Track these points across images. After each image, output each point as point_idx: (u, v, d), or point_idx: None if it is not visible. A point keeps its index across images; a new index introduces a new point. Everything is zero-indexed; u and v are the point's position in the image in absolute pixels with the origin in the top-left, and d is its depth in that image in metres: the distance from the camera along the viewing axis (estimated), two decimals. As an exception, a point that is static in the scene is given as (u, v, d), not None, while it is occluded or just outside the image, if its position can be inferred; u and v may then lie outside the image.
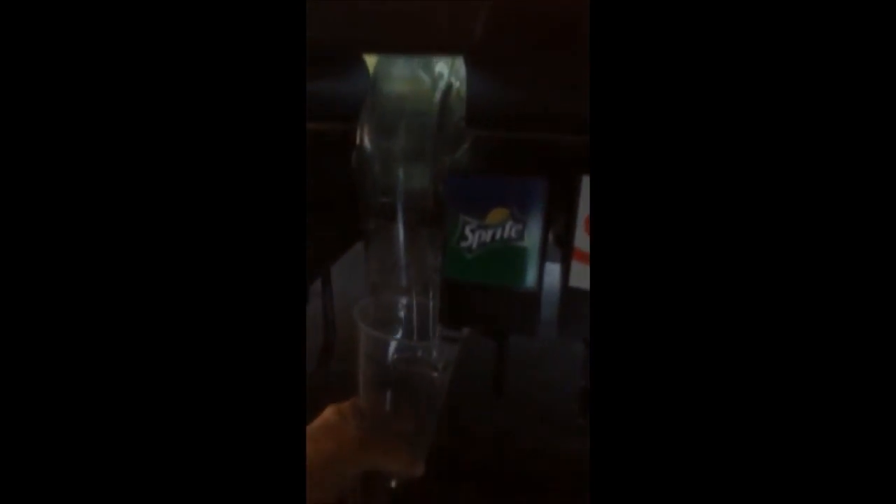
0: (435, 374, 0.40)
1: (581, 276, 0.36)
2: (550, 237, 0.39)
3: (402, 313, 0.42)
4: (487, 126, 0.49)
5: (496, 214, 0.36)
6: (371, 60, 0.49)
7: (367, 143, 0.46)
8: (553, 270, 0.40)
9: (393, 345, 0.40)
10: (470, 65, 0.47)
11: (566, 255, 0.37)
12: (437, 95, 0.46)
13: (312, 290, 0.54)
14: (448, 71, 0.48)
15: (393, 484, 0.40)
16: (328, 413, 0.39)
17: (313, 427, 0.38)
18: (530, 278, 0.37)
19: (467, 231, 0.37)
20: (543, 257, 0.37)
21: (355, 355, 0.41)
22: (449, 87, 0.47)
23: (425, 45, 0.46)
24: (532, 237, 0.36)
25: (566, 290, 0.37)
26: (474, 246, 0.37)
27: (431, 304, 0.42)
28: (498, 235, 0.37)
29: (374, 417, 0.39)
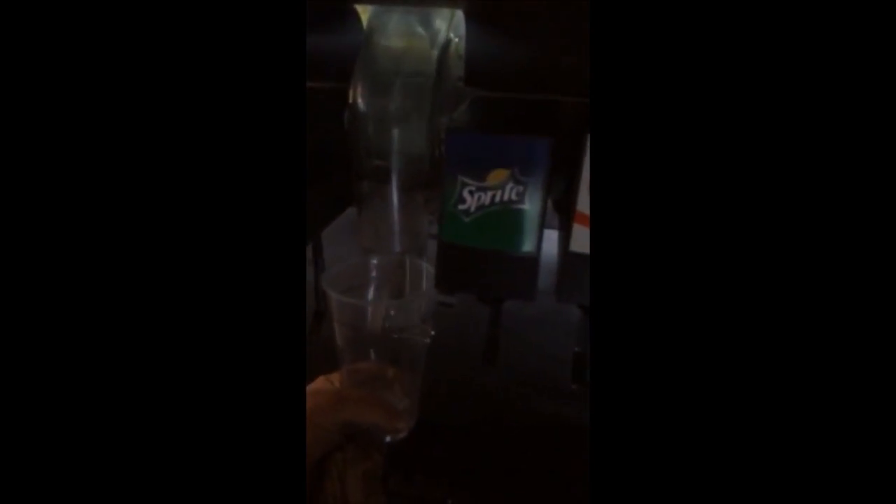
0: (427, 341, 0.39)
1: (583, 241, 0.35)
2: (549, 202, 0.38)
3: (373, 274, 0.41)
4: (487, 86, 0.48)
5: (496, 175, 0.35)
6: (364, 14, 0.46)
7: (360, 102, 0.44)
8: (549, 237, 0.39)
9: (373, 308, 0.39)
10: (469, 20, 0.45)
11: (567, 219, 0.36)
12: (435, 52, 0.44)
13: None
14: (446, 26, 0.45)
15: (388, 439, 0.40)
16: (317, 381, 0.40)
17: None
18: (530, 243, 0.36)
19: (465, 193, 0.36)
20: (543, 222, 0.36)
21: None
22: (447, 43, 0.45)
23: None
24: (533, 200, 0.35)
25: (567, 255, 0.36)
26: (472, 209, 0.36)
27: (417, 264, 0.41)
28: (497, 198, 0.35)
29: (353, 379, 0.39)
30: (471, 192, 0.36)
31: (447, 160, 0.36)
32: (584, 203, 0.34)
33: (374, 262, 0.41)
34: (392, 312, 0.38)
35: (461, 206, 0.36)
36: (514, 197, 0.35)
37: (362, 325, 0.38)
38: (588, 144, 0.34)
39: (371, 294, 0.42)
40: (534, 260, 0.36)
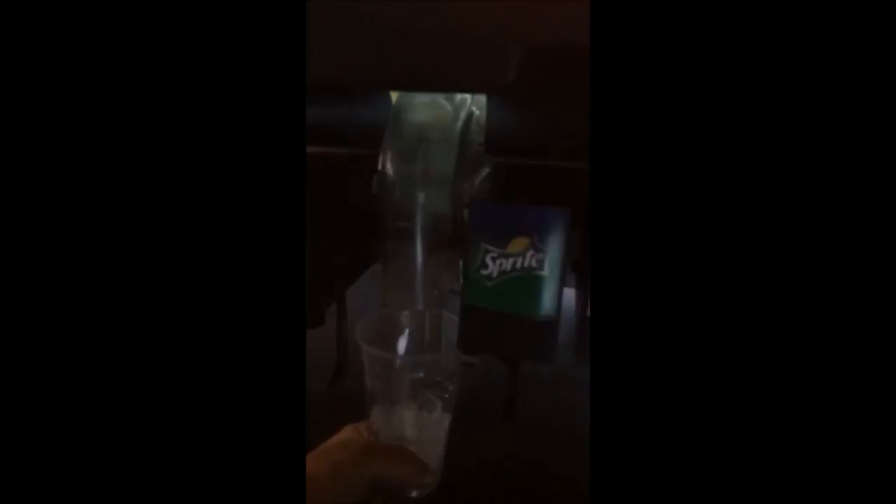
0: (446, 396, 0.40)
1: (600, 306, 0.37)
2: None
3: (406, 328, 0.42)
4: (507, 153, 0.50)
5: (517, 244, 0.37)
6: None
7: (388, 168, 0.47)
8: (568, 294, 0.41)
9: (402, 362, 0.40)
10: (490, 95, 0.48)
11: (584, 281, 0.38)
12: (459, 124, 0.47)
13: (328, 311, 0.54)
14: (469, 100, 0.49)
15: (414, 494, 0.40)
16: (345, 430, 0.41)
17: (330, 442, 0.39)
18: (549, 307, 0.38)
19: (488, 259, 0.38)
20: (562, 286, 0.38)
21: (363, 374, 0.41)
22: (470, 115, 0.48)
23: (455, 84, 0.47)
24: (552, 266, 0.37)
25: (585, 318, 0.37)
26: (494, 274, 0.38)
27: (448, 319, 0.42)
28: (518, 265, 0.37)
29: (384, 431, 0.40)
30: (493, 259, 0.38)
31: (471, 227, 0.38)
32: (600, 270, 0.36)
33: (406, 314, 0.42)
34: (420, 367, 0.39)
35: (484, 272, 0.38)
36: (534, 264, 0.37)
37: (391, 377, 0.39)
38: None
39: (402, 346, 0.42)
40: (553, 324, 0.38)
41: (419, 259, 0.48)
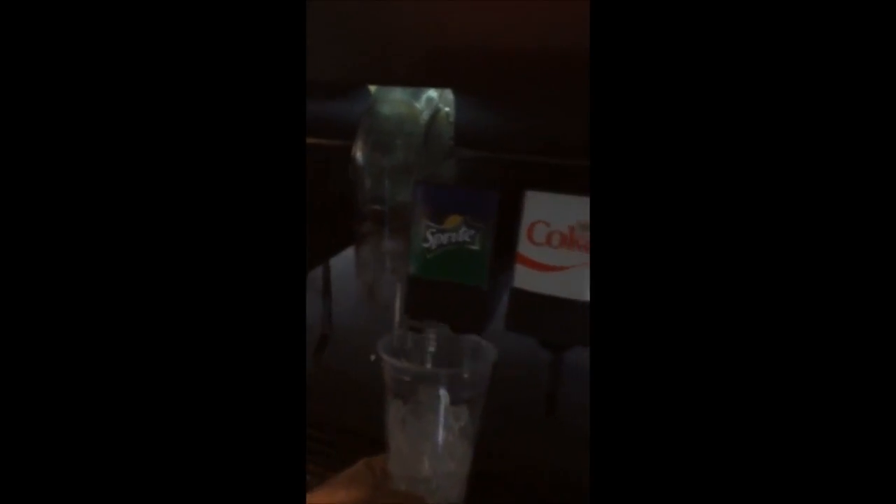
0: (464, 409, 0.38)
1: (524, 278, 0.41)
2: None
3: (431, 347, 0.41)
4: (473, 146, 0.56)
5: (452, 220, 0.42)
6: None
7: (360, 157, 0.53)
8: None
9: (425, 375, 0.39)
10: (456, 94, 0.54)
11: (511, 259, 0.42)
12: (424, 118, 0.52)
13: (311, 286, 0.61)
14: (437, 97, 0.54)
15: None
16: (359, 465, 0.40)
17: (343, 475, 0.39)
18: (481, 277, 0.42)
19: (428, 234, 0.43)
20: (494, 259, 0.42)
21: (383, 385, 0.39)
22: (437, 111, 0.53)
23: (422, 78, 0.52)
24: (484, 242, 0.42)
25: (512, 290, 0.42)
26: (434, 247, 0.43)
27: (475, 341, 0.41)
28: (454, 239, 0.42)
29: (396, 462, 0.38)
30: (432, 233, 0.43)
31: (415, 206, 0.43)
32: (523, 247, 0.41)
33: (432, 334, 0.41)
34: (443, 382, 0.37)
35: (425, 245, 0.43)
36: (467, 238, 0.42)
37: (409, 395, 0.37)
38: (526, 198, 0.40)
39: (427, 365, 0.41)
40: (485, 293, 0.43)
41: (387, 238, 0.54)
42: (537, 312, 0.42)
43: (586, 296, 0.40)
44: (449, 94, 0.54)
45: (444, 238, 0.43)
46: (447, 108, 0.55)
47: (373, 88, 0.56)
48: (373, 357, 0.51)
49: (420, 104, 0.54)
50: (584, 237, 0.39)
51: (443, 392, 0.36)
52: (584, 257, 0.39)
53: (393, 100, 0.54)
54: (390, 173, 0.53)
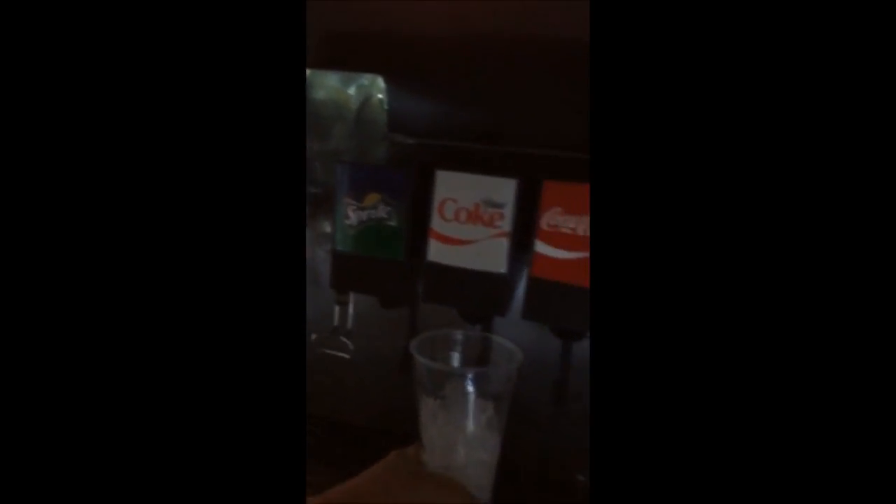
0: (490, 406, 0.39)
1: (437, 252, 0.44)
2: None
3: (459, 346, 0.42)
4: (405, 132, 0.59)
5: (371, 198, 0.45)
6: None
7: (295, 140, 0.55)
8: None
9: (457, 373, 0.39)
10: (387, 81, 0.56)
11: (425, 234, 0.45)
12: (355, 105, 0.55)
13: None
14: (369, 83, 0.57)
15: None
16: (391, 456, 0.40)
17: (376, 466, 0.39)
18: (399, 251, 0.46)
19: (349, 211, 0.46)
20: (411, 235, 0.45)
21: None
22: (368, 97, 0.56)
23: (355, 63, 0.55)
24: (400, 218, 0.45)
25: (426, 263, 0.45)
26: (355, 223, 0.46)
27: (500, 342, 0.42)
28: (373, 215, 0.45)
29: (430, 453, 0.39)
30: (353, 210, 0.46)
31: (336, 185, 0.46)
32: (436, 223, 0.44)
33: (459, 335, 0.42)
34: (472, 380, 0.38)
35: (347, 221, 0.46)
36: (384, 215, 0.45)
37: (440, 393, 0.38)
38: (436, 177, 0.43)
39: (455, 363, 0.42)
40: (404, 266, 0.46)
41: (320, 220, 0.57)
42: (453, 285, 0.45)
43: (499, 268, 0.43)
44: (381, 81, 0.57)
45: (363, 215, 0.46)
46: (380, 95, 0.57)
47: (308, 73, 0.58)
48: (313, 336, 0.54)
49: (351, 90, 0.57)
50: (488, 213, 0.42)
51: (470, 388, 0.38)
52: (489, 232, 0.43)
53: (327, 85, 0.56)
54: (322, 157, 0.56)
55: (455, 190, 0.43)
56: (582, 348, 0.46)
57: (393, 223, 0.45)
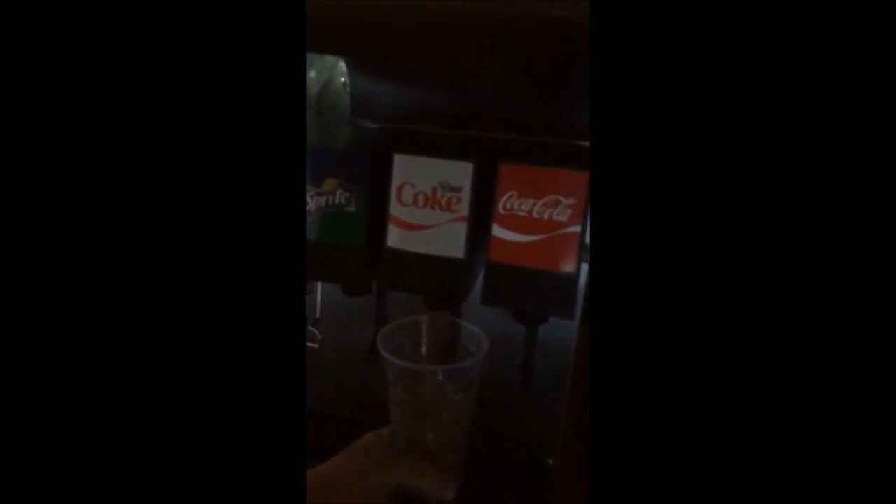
0: (460, 397, 0.39)
1: (396, 238, 0.44)
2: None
3: (424, 336, 0.42)
4: (368, 116, 0.58)
5: (329, 184, 0.44)
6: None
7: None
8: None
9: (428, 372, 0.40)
10: (349, 66, 0.55)
11: (384, 220, 0.45)
12: (315, 90, 0.54)
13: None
14: (330, 68, 0.56)
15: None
16: (367, 436, 0.41)
17: (352, 446, 0.40)
18: (359, 237, 0.45)
19: (308, 197, 0.45)
20: (370, 220, 0.45)
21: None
22: (328, 81, 0.55)
23: (315, 45, 0.54)
24: (359, 204, 0.44)
25: (387, 250, 0.45)
26: (314, 209, 0.45)
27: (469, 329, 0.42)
28: (331, 201, 0.45)
29: (404, 440, 0.40)
30: (311, 196, 0.45)
31: (294, 171, 0.45)
32: (394, 208, 0.44)
33: (425, 322, 0.42)
34: (442, 377, 0.39)
35: (306, 208, 0.46)
36: (343, 201, 0.44)
37: (410, 386, 0.39)
38: (394, 161, 0.43)
39: (423, 352, 0.42)
40: (363, 251, 0.45)
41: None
42: (412, 271, 0.45)
43: (457, 253, 0.43)
44: (343, 64, 0.56)
45: (322, 201, 0.45)
46: (343, 79, 0.57)
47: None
48: None
49: (311, 73, 0.56)
50: (445, 197, 0.42)
51: (439, 379, 0.39)
52: (447, 216, 0.42)
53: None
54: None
55: (413, 174, 0.43)
56: (546, 331, 0.46)
57: (352, 209, 0.45)
